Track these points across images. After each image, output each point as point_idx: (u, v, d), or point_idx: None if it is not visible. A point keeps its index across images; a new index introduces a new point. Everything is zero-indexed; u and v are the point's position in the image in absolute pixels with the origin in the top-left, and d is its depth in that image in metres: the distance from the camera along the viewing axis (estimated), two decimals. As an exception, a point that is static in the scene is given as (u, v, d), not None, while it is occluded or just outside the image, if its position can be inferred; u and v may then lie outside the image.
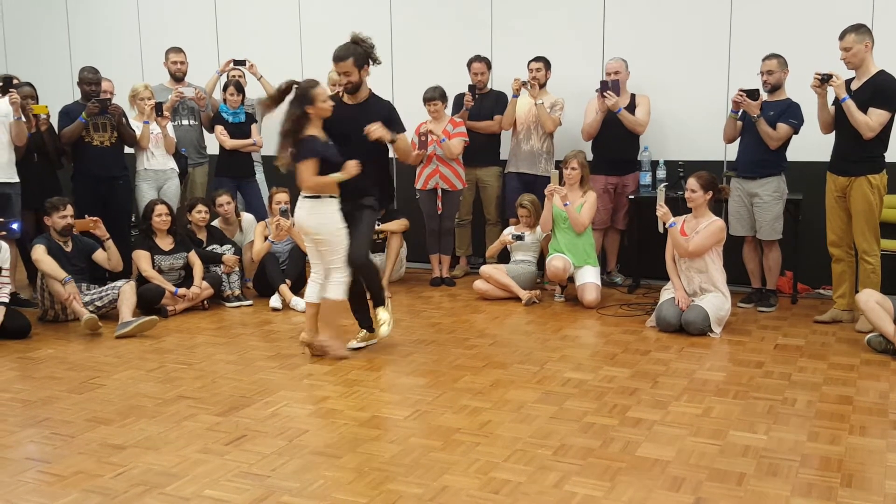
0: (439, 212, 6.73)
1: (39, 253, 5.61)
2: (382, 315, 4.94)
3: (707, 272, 5.30)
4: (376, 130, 4.65)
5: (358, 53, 4.68)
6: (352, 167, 4.59)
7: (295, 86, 4.63)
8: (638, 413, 3.89)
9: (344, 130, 4.70)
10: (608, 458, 3.38)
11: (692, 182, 5.32)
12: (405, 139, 4.94)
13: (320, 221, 4.66)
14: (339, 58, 4.67)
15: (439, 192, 6.68)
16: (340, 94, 4.87)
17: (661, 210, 5.36)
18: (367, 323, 5.04)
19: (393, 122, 4.82)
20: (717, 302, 5.23)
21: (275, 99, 4.68)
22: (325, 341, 4.80)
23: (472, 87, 6.81)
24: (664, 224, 5.37)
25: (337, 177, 4.60)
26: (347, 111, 4.78)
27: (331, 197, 4.66)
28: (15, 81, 6.25)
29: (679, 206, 5.56)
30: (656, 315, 5.38)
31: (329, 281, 4.74)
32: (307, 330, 4.90)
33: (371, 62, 4.76)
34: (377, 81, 7.42)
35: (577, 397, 4.11)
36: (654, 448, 3.48)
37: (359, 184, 4.68)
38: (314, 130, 4.63)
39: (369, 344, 5.03)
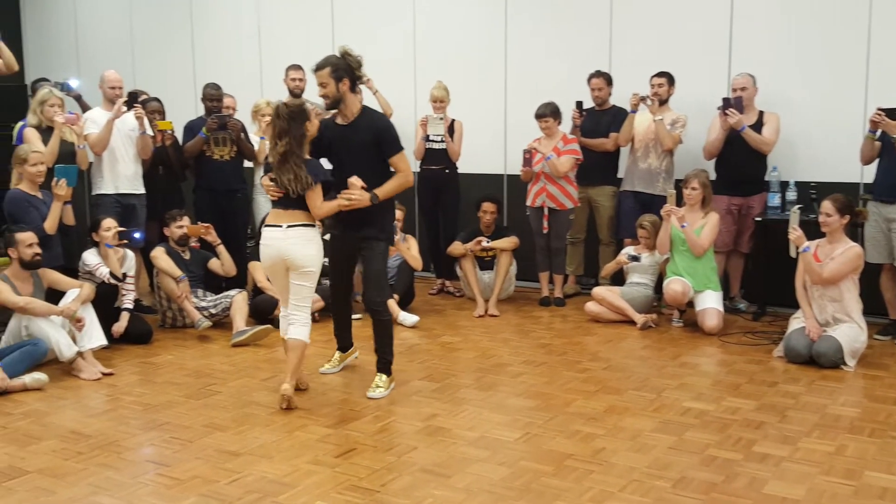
0: (545, 231, 6.68)
1: (158, 251, 5.99)
2: (379, 383, 4.54)
3: (841, 301, 5.06)
4: (357, 200, 4.32)
5: (338, 65, 4.35)
6: (355, 190, 4.32)
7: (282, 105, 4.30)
8: (764, 448, 3.73)
9: (337, 154, 4.50)
10: (732, 495, 3.25)
11: (827, 205, 5.10)
12: (401, 175, 4.42)
13: (309, 252, 4.31)
14: (317, 66, 4.36)
15: (545, 210, 6.64)
16: (335, 115, 4.57)
17: (795, 233, 5.15)
18: (345, 344, 5.05)
19: (384, 142, 4.43)
20: (851, 333, 4.98)
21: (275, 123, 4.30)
22: (292, 394, 4.32)
23: (579, 104, 6.75)
24: (797, 248, 5.16)
25: (340, 202, 4.32)
26: (338, 132, 4.48)
27: (312, 225, 4.39)
28: (143, 97, 6.60)
29: (810, 230, 5.33)
30: (784, 345, 5.17)
31: (296, 320, 4.37)
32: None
33: (353, 80, 4.40)
34: (491, 96, 7.54)
35: (697, 428, 3.99)
36: (782, 486, 3.33)
37: (357, 213, 4.42)
38: (306, 153, 4.38)
39: (343, 366, 4.85)
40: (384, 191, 4.44)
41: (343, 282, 4.87)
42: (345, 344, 5.08)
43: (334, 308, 5.02)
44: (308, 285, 4.36)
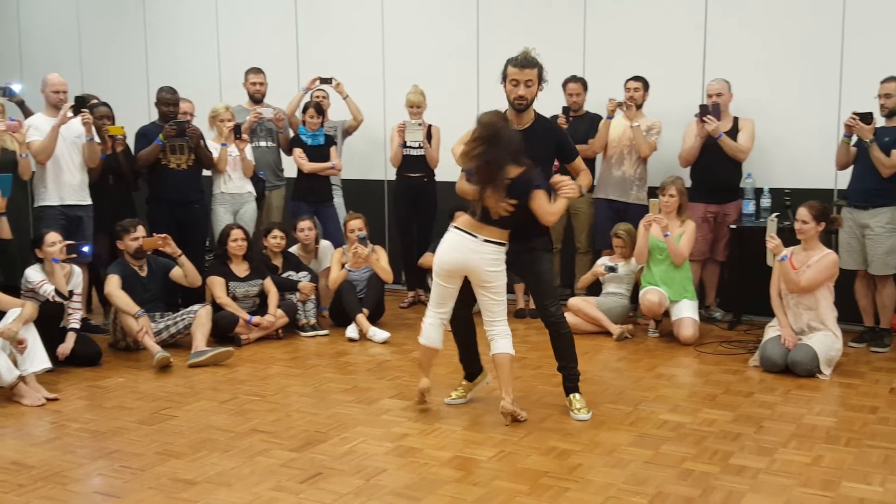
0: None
1: (112, 286, 5.77)
2: (578, 404, 4.51)
3: (817, 309, 5.21)
4: (572, 188, 4.30)
5: (542, 67, 4.35)
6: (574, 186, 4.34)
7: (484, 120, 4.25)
8: (741, 460, 3.83)
9: None
10: (709, 509, 3.34)
11: (803, 212, 5.24)
12: (588, 172, 4.62)
13: (498, 270, 4.35)
14: (525, 64, 4.29)
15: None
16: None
17: (773, 242, 5.29)
18: (472, 371, 4.85)
19: (565, 149, 4.54)
20: (826, 341, 5.13)
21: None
22: (514, 406, 4.38)
23: (566, 109, 6.83)
24: (775, 256, 5.30)
25: (564, 202, 4.34)
26: None
27: (505, 244, 4.38)
28: (93, 102, 6.52)
29: (786, 237, 5.47)
30: (760, 354, 5.30)
31: (495, 335, 4.42)
32: (426, 376, 4.62)
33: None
34: (465, 101, 7.57)
35: (674, 441, 4.08)
36: (759, 499, 3.43)
37: (525, 224, 4.33)
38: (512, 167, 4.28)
39: (471, 397, 4.80)
40: (586, 184, 4.56)
41: (467, 301, 4.57)
42: (471, 371, 4.85)
43: (456, 331, 4.75)
44: (500, 300, 4.38)
